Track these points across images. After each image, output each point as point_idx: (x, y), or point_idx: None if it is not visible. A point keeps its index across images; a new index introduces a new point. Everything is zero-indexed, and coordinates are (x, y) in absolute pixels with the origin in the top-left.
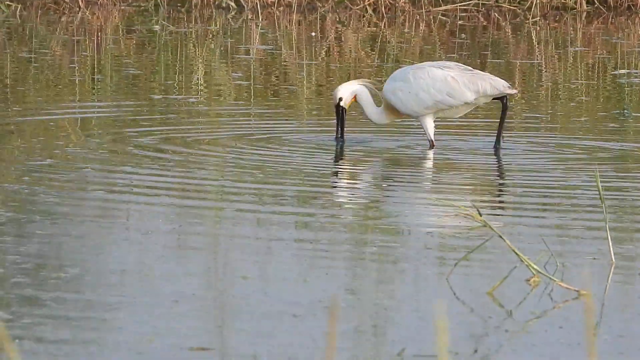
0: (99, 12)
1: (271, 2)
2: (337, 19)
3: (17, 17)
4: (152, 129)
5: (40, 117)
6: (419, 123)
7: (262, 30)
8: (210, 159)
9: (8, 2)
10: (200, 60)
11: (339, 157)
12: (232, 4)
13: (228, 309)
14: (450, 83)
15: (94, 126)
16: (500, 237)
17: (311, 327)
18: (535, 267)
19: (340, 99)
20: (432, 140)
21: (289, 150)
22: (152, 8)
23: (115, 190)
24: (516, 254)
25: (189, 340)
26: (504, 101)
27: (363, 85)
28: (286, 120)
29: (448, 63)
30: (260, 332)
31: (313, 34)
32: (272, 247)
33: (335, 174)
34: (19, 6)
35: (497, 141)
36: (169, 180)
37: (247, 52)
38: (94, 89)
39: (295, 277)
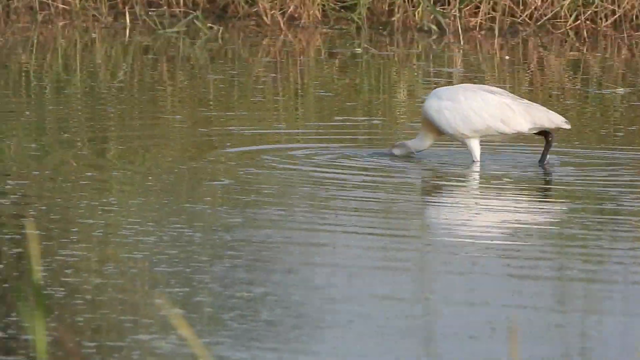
0: (300, 35)
1: (472, 25)
2: (540, 43)
3: (219, 38)
4: (349, 146)
5: (237, 148)
6: (459, 143)
7: (462, 55)
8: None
9: (210, 25)
10: (400, 84)
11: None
12: (434, 27)
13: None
14: (505, 110)
15: (283, 148)
16: None
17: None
18: None
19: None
20: (477, 159)
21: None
22: (354, 31)
23: (299, 212)
24: None
25: None
26: (549, 138)
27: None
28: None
29: (499, 90)
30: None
31: (507, 57)
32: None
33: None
34: (221, 28)
35: (542, 159)
36: (365, 199)
37: (449, 76)
38: (296, 110)
39: (471, 300)
